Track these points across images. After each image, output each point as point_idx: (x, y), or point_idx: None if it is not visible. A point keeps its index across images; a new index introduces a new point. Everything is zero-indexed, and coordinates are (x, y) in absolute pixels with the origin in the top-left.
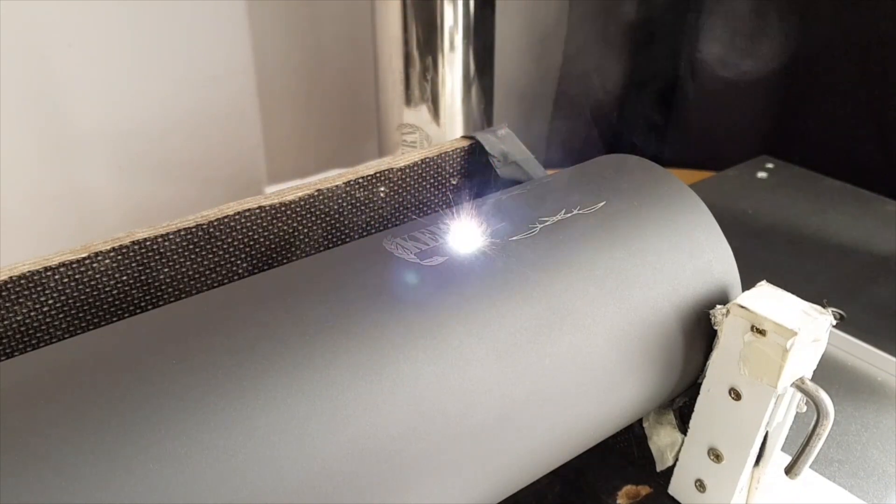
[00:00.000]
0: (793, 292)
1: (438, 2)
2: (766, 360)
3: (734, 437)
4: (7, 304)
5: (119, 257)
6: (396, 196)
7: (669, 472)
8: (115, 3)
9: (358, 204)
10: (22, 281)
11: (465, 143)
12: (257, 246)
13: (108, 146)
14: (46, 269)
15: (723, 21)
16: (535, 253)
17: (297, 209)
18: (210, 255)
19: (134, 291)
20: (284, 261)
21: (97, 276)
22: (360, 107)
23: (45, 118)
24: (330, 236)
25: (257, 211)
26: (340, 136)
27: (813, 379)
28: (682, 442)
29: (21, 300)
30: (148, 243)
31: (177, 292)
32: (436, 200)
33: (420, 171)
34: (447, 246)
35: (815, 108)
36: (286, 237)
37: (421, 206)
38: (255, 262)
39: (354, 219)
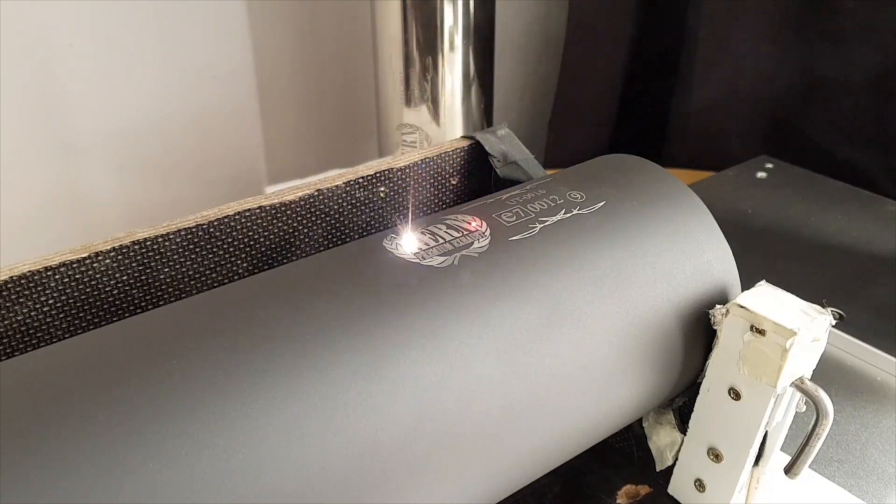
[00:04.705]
0: (793, 292)
1: (438, 2)
2: (766, 360)
3: (734, 437)
4: (7, 304)
5: (119, 257)
6: (396, 196)
7: (669, 471)
8: (115, 3)
9: (358, 204)
10: (22, 281)
11: (465, 143)
12: (257, 246)
13: (108, 146)
14: (46, 269)
15: (723, 21)
16: (536, 253)
17: (297, 209)
18: (210, 255)
19: (134, 291)
20: (284, 261)
21: (97, 276)
22: (360, 107)
23: (45, 118)
24: (330, 236)
25: (257, 211)
26: (340, 136)
27: (813, 379)
28: (682, 442)
29: (21, 300)
30: (148, 243)
31: (177, 292)
32: (436, 200)
33: (420, 171)
34: (447, 246)
35: (815, 108)
36: (286, 237)
37: (421, 206)
38: (255, 262)
39: (354, 219)
